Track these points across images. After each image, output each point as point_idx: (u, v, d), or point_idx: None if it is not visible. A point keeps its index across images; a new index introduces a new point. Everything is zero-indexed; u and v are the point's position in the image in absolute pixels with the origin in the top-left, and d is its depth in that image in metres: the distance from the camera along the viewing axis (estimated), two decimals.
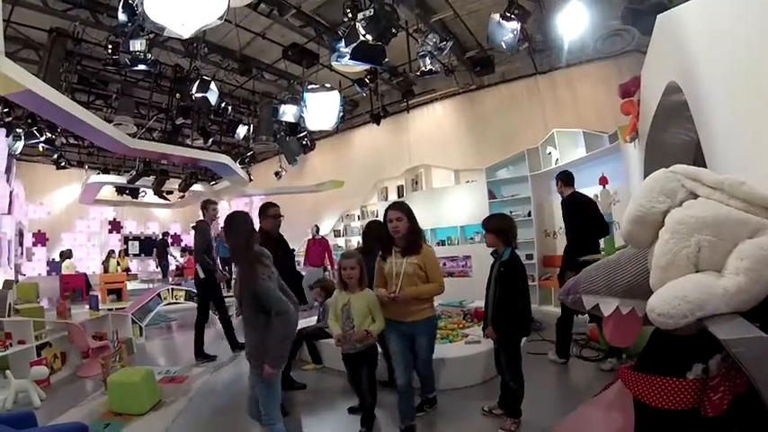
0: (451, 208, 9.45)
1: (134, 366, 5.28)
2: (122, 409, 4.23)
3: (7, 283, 6.78)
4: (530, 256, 8.28)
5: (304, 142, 11.05)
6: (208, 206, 6.44)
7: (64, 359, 5.83)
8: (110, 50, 7.41)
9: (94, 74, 9.90)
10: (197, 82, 7.64)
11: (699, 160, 3.01)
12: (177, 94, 8.67)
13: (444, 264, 8.99)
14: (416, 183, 10.99)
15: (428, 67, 7.62)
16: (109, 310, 7.36)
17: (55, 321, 6.00)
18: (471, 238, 9.16)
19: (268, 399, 2.77)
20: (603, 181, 6.47)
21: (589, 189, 7.17)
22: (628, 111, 5.66)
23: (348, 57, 6.58)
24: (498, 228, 3.56)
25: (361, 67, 8.06)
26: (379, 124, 10.88)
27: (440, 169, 10.99)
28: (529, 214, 8.58)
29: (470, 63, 9.19)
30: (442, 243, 9.55)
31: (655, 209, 1.57)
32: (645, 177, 4.29)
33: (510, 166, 9.22)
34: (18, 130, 10.39)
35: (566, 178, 5.53)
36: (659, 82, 3.69)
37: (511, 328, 3.48)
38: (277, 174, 13.76)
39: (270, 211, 4.51)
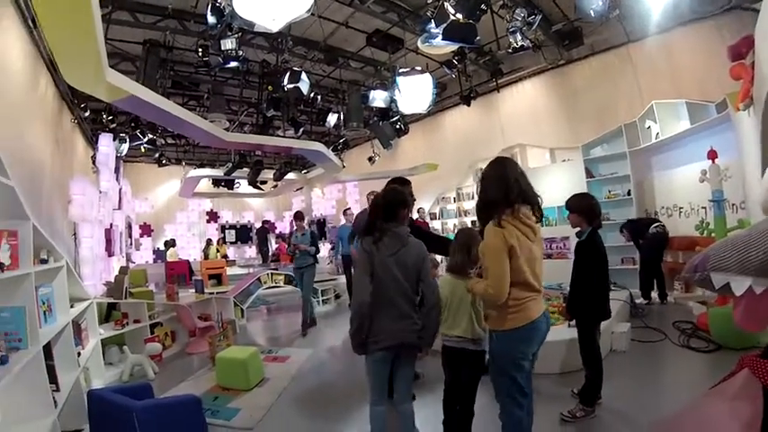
0: (548, 188, 8.93)
1: (238, 345, 5.55)
2: (229, 384, 4.51)
3: (123, 270, 7.44)
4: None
5: (397, 126, 11.06)
6: (370, 196, 6.23)
7: (173, 337, 6.35)
8: (200, 53, 7.79)
9: (186, 77, 10.52)
10: (288, 74, 7.80)
11: None
12: (269, 87, 8.89)
13: (543, 246, 8.76)
14: None
15: (519, 44, 7.29)
16: (210, 293, 7.85)
17: (165, 303, 6.51)
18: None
19: (368, 380, 2.77)
20: (712, 155, 5.92)
21: (695, 165, 6.65)
22: (739, 75, 5.14)
23: (440, 37, 6.50)
24: (579, 207, 3.43)
25: (448, 49, 7.92)
26: (469, 105, 10.70)
27: (534, 148, 10.63)
28: (629, 193, 8.09)
29: (557, 37, 8.74)
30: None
31: None
32: (763, 147, 3.87)
33: (607, 143, 8.74)
34: (122, 134, 11.38)
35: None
36: None
37: (584, 310, 3.33)
38: (370, 159, 13.84)
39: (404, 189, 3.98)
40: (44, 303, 3.20)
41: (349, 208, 8.93)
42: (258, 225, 19.58)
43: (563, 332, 4.40)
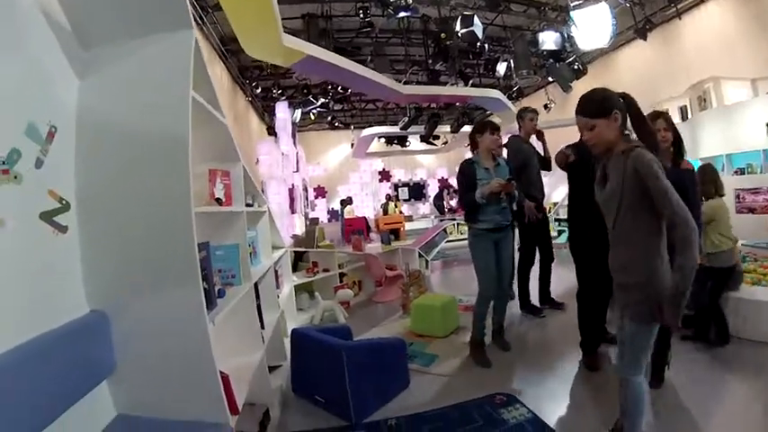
0: (750, 128, 7.22)
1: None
2: (424, 331, 4.40)
3: (314, 221, 7.90)
4: None
5: (575, 67, 10.24)
6: (524, 115, 4.91)
7: (360, 286, 6.50)
8: (362, 15, 8.00)
9: (348, 42, 10.63)
10: (459, 19, 7.57)
11: None
12: (442, 34, 8.56)
13: (744, 197, 7.14)
14: (704, 100, 8.96)
15: None
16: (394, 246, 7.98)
17: (353, 253, 6.70)
18: None
19: (634, 345, 2.01)
20: None
21: None
22: None
23: None
24: None
25: None
26: (645, 39, 9.37)
27: (731, 81, 8.70)
28: None
29: None
30: (740, 171, 7.46)
31: None
32: None
33: None
34: (296, 102, 12.13)
35: None
36: None
37: None
38: (546, 106, 13.20)
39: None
40: (250, 245, 3.29)
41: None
42: (430, 182, 20.37)
43: None
